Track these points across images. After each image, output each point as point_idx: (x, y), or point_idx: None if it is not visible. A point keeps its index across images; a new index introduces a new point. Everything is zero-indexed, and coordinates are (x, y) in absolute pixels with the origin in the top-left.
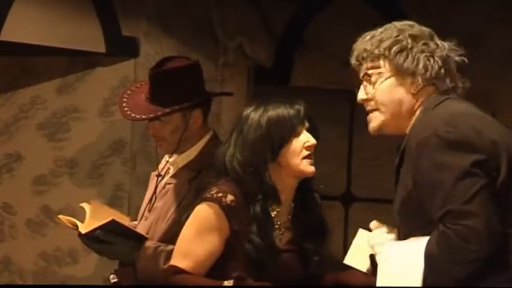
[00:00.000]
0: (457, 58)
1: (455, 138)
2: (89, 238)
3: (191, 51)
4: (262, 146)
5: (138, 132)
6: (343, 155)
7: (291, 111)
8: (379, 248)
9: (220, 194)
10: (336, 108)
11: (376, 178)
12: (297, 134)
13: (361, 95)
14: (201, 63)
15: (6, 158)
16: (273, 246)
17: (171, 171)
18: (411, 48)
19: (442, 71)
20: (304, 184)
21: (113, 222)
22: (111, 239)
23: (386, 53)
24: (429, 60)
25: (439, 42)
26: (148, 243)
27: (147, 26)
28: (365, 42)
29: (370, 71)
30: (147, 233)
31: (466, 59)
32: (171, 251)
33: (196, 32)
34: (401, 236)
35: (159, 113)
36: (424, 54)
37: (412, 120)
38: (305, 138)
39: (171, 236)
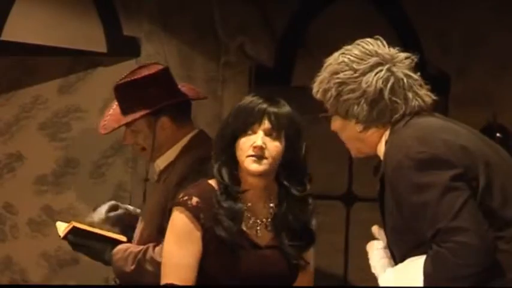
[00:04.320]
0: (404, 78)
1: (428, 157)
2: (68, 242)
3: (192, 51)
4: (223, 137)
5: None
6: (344, 155)
7: (250, 106)
8: (377, 270)
9: (185, 197)
10: None
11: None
12: (250, 133)
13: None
14: (203, 63)
15: (7, 158)
16: (244, 238)
17: (156, 175)
18: (338, 96)
19: (374, 112)
20: (286, 187)
21: (74, 228)
22: (82, 242)
23: (324, 99)
24: (356, 106)
25: (373, 76)
26: (120, 246)
27: (149, 26)
28: (314, 85)
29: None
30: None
31: (412, 77)
32: (138, 253)
33: (197, 31)
34: (396, 259)
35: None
36: (350, 102)
37: (382, 143)
38: (254, 138)
39: (146, 236)
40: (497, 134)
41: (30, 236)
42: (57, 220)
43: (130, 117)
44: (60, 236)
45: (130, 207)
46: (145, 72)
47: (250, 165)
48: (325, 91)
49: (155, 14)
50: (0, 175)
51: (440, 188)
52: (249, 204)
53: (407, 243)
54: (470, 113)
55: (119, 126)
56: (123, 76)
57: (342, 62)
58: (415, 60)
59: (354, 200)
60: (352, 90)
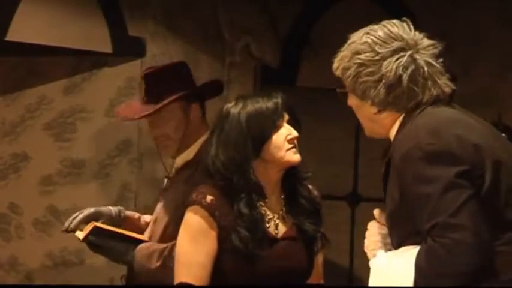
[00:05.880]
0: (425, 67)
1: (437, 150)
2: (89, 244)
3: (197, 51)
4: (244, 143)
5: (144, 132)
6: (350, 155)
7: (269, 105)
8: (371, 252)
9: (200, 196)
10: (343, 108)
11: None
12: (278, 128)
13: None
14: (208, 64)
15: (13, 159)
16: (264, 238)
17: (173, 172)
18: (356, 77)
19: (391, 97)
20: (290, 173)
21: (96, 227)
22: (104, 243)
23: (343, 77)
24: (373, 89)
25: (393, 62)
26: (143, 244)
27: (154, 26)
28: (335, 60)
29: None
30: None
31: (433, 65)
32: (164, 250)
33: (202, 32)
34: (394, 244)
35: (159, 106)
36: (367, 84)
37: (396, 128)
38: (286, 132)
39: (167, 235)
40: (503, 134)
41: (35, 236)
42: (62, 220)
43: (167, 100)
44: (79, 239)
45: (113, 210)
46: (164, 64)
47: (293, 156)
48: (345, 69)
49: (160, 14)
50: (6, 175)
51: (444, 182)
52: (266, 202)
53: (404, 229)
54: (475, 113)
55: (156, 110)
56: (146, 69)
57: (365, 42)
58: (439, 48)
59: (358, 200)
60: (371, 73)
